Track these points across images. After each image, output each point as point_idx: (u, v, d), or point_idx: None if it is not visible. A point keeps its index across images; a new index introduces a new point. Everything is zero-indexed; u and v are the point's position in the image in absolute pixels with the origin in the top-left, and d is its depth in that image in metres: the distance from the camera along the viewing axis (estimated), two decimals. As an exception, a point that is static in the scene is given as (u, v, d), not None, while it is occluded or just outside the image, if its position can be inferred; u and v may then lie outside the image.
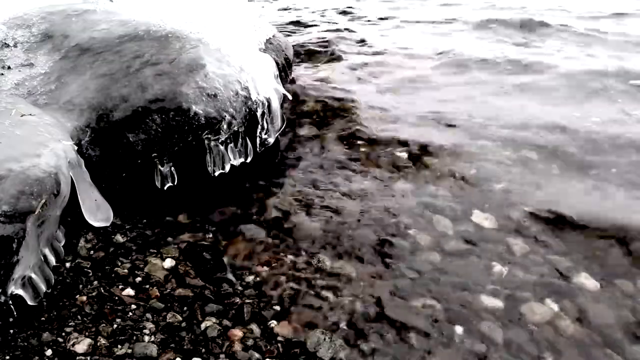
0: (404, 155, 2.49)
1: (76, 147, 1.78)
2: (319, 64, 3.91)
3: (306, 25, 5.16)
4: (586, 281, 1.72)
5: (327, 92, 3.31)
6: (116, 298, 1.58)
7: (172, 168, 2.02)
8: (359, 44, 4.41)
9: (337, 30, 4.85)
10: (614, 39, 4.31)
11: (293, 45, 3.71)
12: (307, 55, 4.11)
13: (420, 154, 2.49)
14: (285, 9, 6.16)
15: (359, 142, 2.62)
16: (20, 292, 1.40)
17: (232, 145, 2.15)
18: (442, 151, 2.51)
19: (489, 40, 4.44)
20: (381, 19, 5.51)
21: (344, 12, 5.89)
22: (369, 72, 3.68)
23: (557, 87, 3.27)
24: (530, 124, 2.74)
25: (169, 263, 1.77)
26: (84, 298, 1.56)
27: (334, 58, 4.02)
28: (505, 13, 5.36)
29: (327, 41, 4.45)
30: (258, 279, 1.75)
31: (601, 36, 4.39)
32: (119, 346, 1.42)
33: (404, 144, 2.58)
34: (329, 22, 5.33)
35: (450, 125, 2.78)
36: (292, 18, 5.57)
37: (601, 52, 3.98)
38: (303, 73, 3.66)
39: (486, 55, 3.88)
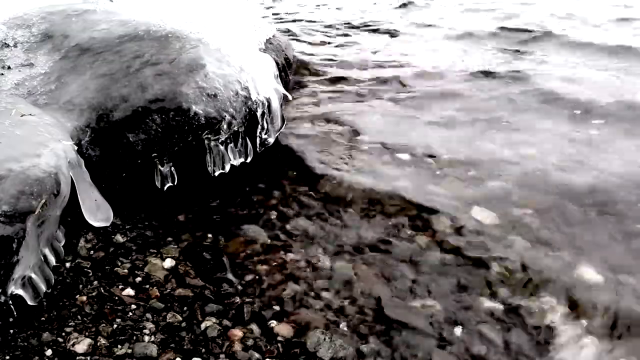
0: (406, 157, 2.49)
1: (76, 147, 1.78)
2: (317, 69, 3.90)
3: (305, 35, 5.10)
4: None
5: (328, 93, 3.31)
6: (116, 298, 1.58)
7: (172, 168, 2.03)
8: (359, 52, 4.38)
9: (344, 42, 4.79)
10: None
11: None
12: (305, 60, 4.10)
13: (422, 156, 2.49)
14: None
15: (358, 142, 2.63)
16: (20, 292, 1.40)
17: (232, 145, 2.16)
18: (443, 155, 2.52)
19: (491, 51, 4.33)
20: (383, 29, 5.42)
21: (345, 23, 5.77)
22: (370, 76, 3.67)
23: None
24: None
25: (169, 263, 1.77)
26: (84, 298, 1.56)
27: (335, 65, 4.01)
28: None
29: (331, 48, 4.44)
30: (258, 278, 1.75)
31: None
32: (119, 346, 1.42)
33: (404, 146, 2.58)
34: (332, 29, 5.27)
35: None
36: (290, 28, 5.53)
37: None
38: (303, 74, 3.67)
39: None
